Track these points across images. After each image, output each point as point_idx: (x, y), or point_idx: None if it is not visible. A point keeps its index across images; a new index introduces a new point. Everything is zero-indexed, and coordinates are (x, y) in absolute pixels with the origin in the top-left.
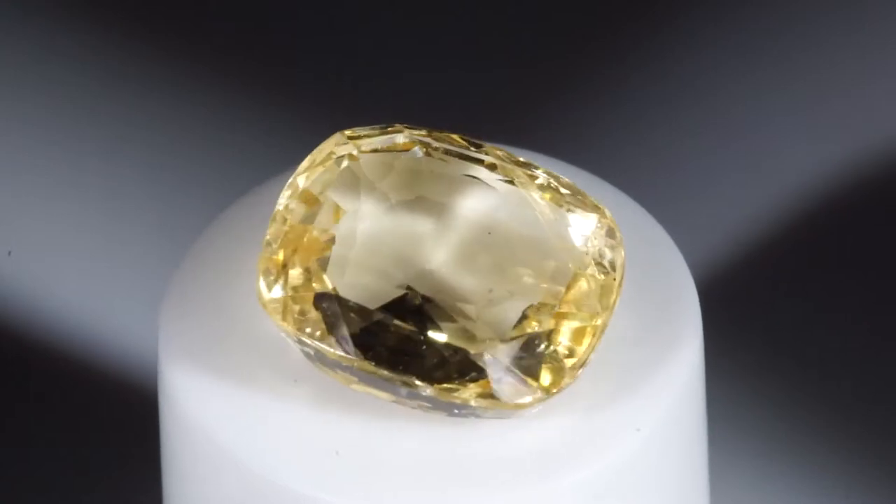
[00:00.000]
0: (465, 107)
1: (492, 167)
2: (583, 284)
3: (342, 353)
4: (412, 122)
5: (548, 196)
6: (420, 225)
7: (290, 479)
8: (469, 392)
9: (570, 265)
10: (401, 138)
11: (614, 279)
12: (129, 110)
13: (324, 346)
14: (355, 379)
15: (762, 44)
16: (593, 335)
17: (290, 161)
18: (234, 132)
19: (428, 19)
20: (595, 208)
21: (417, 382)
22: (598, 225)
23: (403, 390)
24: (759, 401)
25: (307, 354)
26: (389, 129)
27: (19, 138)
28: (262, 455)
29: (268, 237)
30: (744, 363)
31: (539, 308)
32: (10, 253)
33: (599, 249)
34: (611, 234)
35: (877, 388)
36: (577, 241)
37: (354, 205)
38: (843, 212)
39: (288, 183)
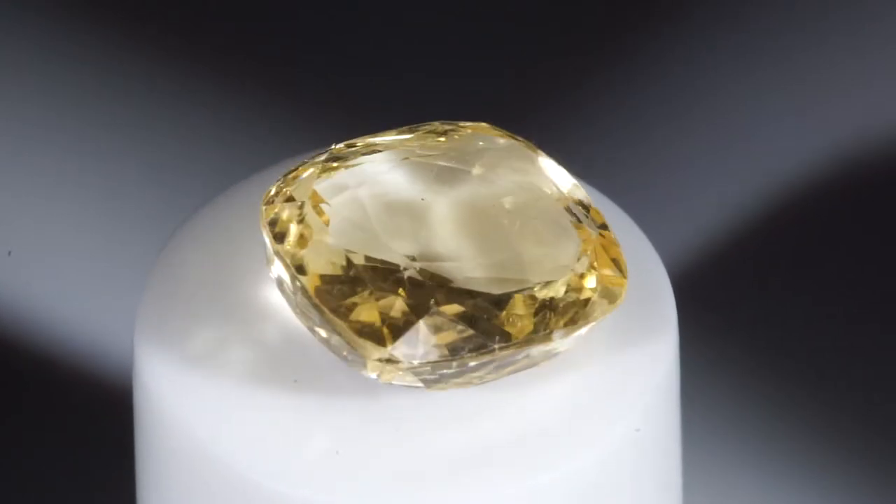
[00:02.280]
0: (451, 107)
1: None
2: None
3: (499, 347)
4: (410, 122)
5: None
6: (424, 211)
7: (280, 481)
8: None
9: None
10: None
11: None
12: (130, 110)
13: (474, 357)
14: (481, 374)
15: (743, 47)
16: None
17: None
18: (234, 132)
19: (426, 20)
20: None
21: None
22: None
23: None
24: (736, 397)
25: (430, 380)
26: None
27: (19, 138)
28: (245, 456)
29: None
30: (719, 360)
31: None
32: (10, 253)
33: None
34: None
35: (857, 382)
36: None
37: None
38: (821, 209)
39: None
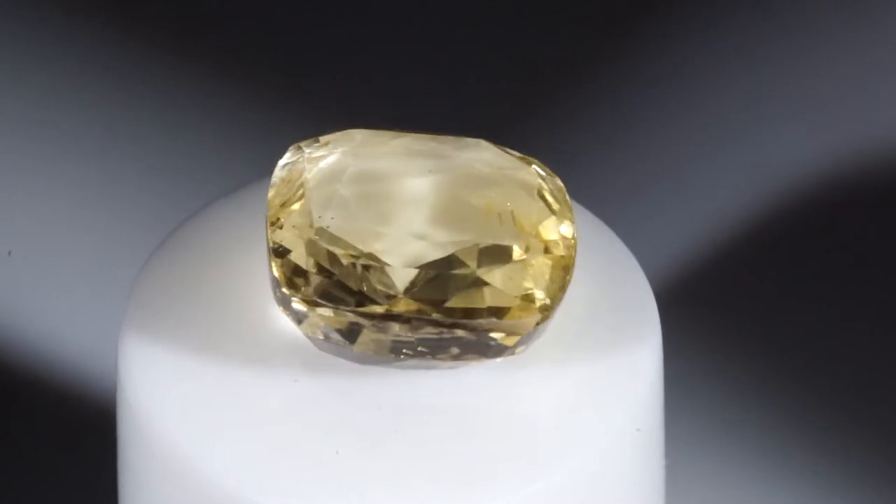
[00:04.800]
0: (446, 108)
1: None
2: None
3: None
4: (408, 123)
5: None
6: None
7: (273, 495)
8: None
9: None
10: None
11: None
12: (130, 110)
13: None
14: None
15: (735, 54)
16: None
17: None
18: (237, 132)
19: (422, 21)
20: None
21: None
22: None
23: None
24: (720, 404)
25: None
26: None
27: (19, 138)
28: (236, 469)
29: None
30: (703, 369)
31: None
32: (10, 253)
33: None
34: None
35: (850, 386)
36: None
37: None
38: (816, 218)
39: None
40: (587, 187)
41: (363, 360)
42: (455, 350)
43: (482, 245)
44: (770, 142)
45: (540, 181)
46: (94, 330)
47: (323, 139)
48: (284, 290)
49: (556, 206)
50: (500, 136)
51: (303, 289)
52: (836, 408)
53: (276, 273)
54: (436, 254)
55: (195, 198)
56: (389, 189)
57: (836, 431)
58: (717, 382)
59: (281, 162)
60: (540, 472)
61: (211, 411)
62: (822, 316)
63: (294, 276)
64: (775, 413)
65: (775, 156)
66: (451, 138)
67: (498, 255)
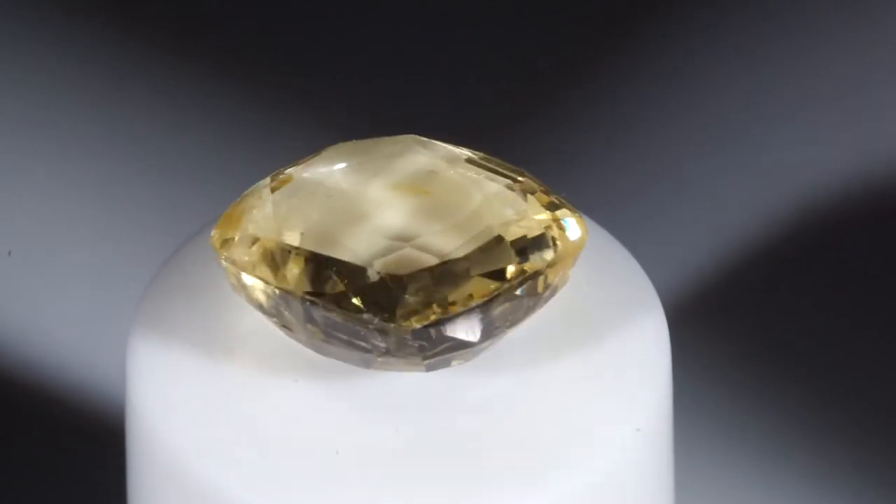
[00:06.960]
0: (443, 111)
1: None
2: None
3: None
4: (405, 126)
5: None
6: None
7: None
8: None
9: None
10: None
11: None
12: (131, 111)
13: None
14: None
15: (732, 56)
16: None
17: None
18: (234, 132)
19: (418, 25)
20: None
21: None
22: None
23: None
24: (728, 409)
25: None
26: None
27: (20, 139)
28: (233, 469)
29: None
30: (710, 374)
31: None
32: (10, 253)
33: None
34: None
35: (854, 396)
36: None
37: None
38: (822, 232)
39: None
40: (587, 189)
41: (470, 355)
42: (521, 300)
43: (485, 213)
44: (771, 142)
45: (459, 152)
46: (93, 329)
47: (231, 220)
48: (372, 323)
49: (490, 166)
50: (501, 137)
51: (398, 320)
52: (844, 413)
53: (352, 317)
54: (456, 239)
55: (195, 198)
56: (362, 208)
57: (839, 435)
58: (724, 387)
59: (227, 237)
60: (543, 475)
61: (214, 413)
62: (829, 320)
63: (367, 314)
64: (784, 419)
65: (775, 156)
66: (328, 149)
67: (501, 209)
